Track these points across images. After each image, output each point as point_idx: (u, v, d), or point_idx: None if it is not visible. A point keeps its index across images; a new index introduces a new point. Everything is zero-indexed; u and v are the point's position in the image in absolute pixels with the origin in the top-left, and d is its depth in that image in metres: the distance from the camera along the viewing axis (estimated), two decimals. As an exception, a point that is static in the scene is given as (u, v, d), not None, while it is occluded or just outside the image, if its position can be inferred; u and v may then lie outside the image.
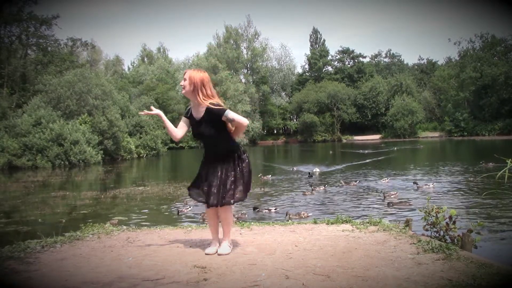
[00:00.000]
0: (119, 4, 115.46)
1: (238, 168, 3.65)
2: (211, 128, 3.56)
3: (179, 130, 3.70)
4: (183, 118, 3.73)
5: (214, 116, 3.54)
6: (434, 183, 12.85)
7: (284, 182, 15.45)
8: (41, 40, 38.43)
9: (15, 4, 34.59)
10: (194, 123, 3.64)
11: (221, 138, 3.61)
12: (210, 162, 3.67)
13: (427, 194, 11.20)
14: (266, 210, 9.65)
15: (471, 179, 13.97)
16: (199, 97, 3.55)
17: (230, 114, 3.53)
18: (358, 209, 9.85)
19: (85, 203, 12.17)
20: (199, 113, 3.60)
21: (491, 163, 17.81)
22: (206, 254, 3.59)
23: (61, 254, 3.72)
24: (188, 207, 10.22)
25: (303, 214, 8.99)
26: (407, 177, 15.68)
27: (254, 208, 9.75)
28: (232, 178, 3.61)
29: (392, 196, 10.88)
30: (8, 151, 26.08)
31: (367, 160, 22.02)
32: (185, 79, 3.59)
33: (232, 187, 3.60)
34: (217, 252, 3.60)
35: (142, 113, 3.86)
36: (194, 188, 3.76)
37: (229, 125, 3.61)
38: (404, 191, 12.24)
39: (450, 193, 11.56)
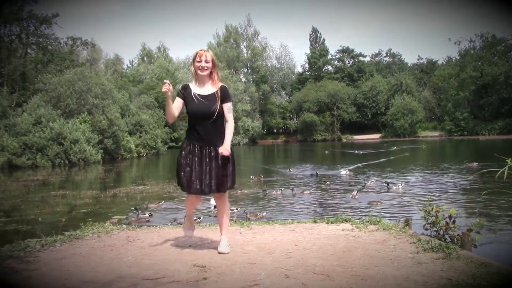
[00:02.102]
0: (119, 3, 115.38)
1: (228, 157, 3.58)
2: (217, 106, 3.56)
3: (176, 111, 3.64)
4: (178, 99, 3.62)
5: (225, 98, 3.61)
6: (403, 184, 12.73)
7: (272, 183, 15.25)
8: (41, 39, 38.44)
9: (15, 3, 34.60)
10: (197, 99, 3.57)
11: (220, 120, 3.60)
12: (201, 145, 3.56)
13: (396, 194, 11.19)
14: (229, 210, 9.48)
15: (454, 180, 13.86)
16: (217, 76, 3.66)
17: (230, 107, 3.64)
18: (320, 211, 9.78)
19: (85, 202, 12.17)
20: (208, 90, 3.62)
21: (475, 163, 17.93)
22: (187, 236, 3.79)
23: (61, 253, 3.72)
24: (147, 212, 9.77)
25: (259, 214, 8.92)
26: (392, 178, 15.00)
27: (215, 207, 9.66)
28: (230, 167, 3.59)
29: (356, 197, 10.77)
30: (8, 150, 26.07)
31: (367, 163, 21.44)
32: (208, 61, 3.60)
33: (227, 173, 3.58)
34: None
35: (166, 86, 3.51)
36: (188, 178, 3.57)
37: (225, 111, 3.63)
38: (376, 192, 12.05)
39: (421, 193, 11.50)
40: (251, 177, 15.93)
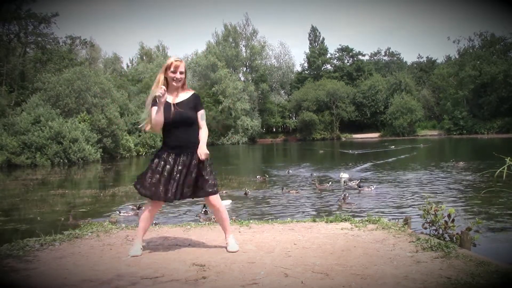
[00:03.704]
0: (118, 2, 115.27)
1: (206, 160, 3.59)
2: (192, 113, 3.60)
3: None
4: (154, 108, 3.51)
5: (198, 105, 3.65)
6: (375, 186, 12.48)
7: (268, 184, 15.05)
8: (40, 38, 38.34)
9: (13, 2, 34.51)
10: (169, 108, 3.51)
11: (195, 127, 3.63)
12: (177, 153, 3.53)
13: (368, 196, 11.09)
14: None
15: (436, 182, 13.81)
16: (186, 84, 3.68)
17: (203, 115, 3.70)
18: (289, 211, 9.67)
19: (84, 201, 12.15)
20: (180, 98, 3.61)
21: (461, 162, 18.02)
22: (132, 256, 3.49)
23: (60, 252, 3.72)
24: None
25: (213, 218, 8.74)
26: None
27: (205, 212, 9.61)
28: (209, 169, 3.59)
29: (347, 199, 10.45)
30: (7, 149, 26.03)
31: (367, 165, 21.00)
32: (182, 72, 3.59)
33: (210, 176, 3.57)
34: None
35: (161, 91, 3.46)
36: (155, 184, 3.52)
37: (198, 119, 3.66)
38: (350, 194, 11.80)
39: (420, 193, 11.46)
40: (257, 176, 15.92)
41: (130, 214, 9.48)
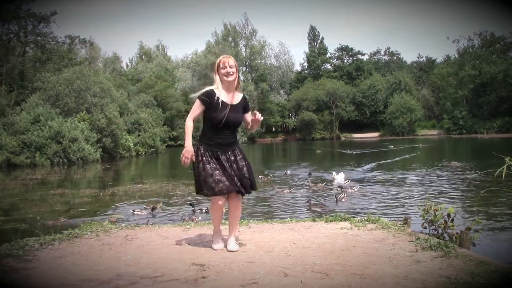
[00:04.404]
0: (118, 2, 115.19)
1: (247, 159, 3.72)
2: (241, 116, 3.70)
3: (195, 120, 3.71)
4: (201, 107, 3.62)
5: (246, 106, 3.77)
6: (358, 187, 12.37)
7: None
8: (39, 38, 38.30)
9: (13, 2, 34.47)
10: (224, 108, 3.58)
11: (238, 129, 3.75)
12: (221, 151, 3.62)
13: (351, 197, 11.03)
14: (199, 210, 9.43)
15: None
16: (239, 84, 3.75)
17: (250, 114, 3.82)
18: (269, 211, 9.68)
19: (84, 201, 12.15)
20: (234, 99, 3.69)
21: (453, 162, 18.04)
22: (215, 249, 3.65)
23: (60, 252, 3.71)
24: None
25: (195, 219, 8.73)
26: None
27: (191, 205, 9.63)
28: (247, 167, 3.67)
29: (313, 201, 10.43)
30: (6, 148, 26.00)
31: (369, 165, 20.77)
32: (232, 66, 3.64)
33: (248, 176, 3.64)
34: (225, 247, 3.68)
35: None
36: (213, 183, 3.54)
37: (247, 119, 3.77)
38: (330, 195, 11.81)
39: (419, 192, 11.45)
40: (260, 177, 15.95)
41: (143, 213, 9.50)
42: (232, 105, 3.64)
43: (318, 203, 10.13)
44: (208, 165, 3.56)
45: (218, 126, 3.58)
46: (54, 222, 8.56)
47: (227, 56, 3.71)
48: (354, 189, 12.05)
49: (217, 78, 3.66)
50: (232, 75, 3.63)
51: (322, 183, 13.60)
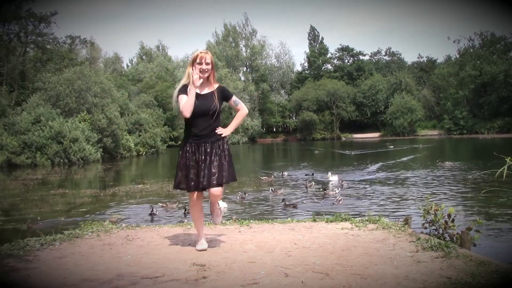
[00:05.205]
0: (118, 2, 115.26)
1: (226, 150, 3.69)
2: (215, 105, 3.66)
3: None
4: (183, 96, 3.64)
5: (224, 96, 3.75)
6: (340, 189, 12.18)
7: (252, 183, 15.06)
8: (40, 38, 38.33)
9: (13, 2, 34.49)
10: (196, 99, 3.61)
11: (218, 119, 3.72)
12: (199, 143, 3.62)
13: (350, 198, 11.05)
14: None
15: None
16: (213, 78, 3.73)
17: (237, 99, 3.81)
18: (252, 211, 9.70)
19: (84, 201, 12.16)
20: (205, 90, 3.70)
21: (447, 162, 18.12)
22: (198, 250, 3.64)
23: (60, 252, 3.71)
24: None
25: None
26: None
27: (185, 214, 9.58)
28: (227, 158, 3.66)
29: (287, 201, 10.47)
30: (7, 149, 26.03)
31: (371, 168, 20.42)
32: (208, 64, 3.66)
33: (215, 171, 3.60)
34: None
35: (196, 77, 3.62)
36: (186, 177, 3.63)
37: (233, 105, 3.81)
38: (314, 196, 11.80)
39: (418, 192, 11.40)
40: (263, 177, 15.95)
41: (167, 208, 9.93)
42: (200, 94, 3.64)
43: (291, 203, 10.31)
44: (182, 160, 3.66)
45: (191, 116, 3.61)
46: (31, 225, 8.36)
47: (205, 51, 3.71)
48: (335, 191, 11.81)
49: (190, 71, 3.65)
50: (206, 72, 3.66)
51: (319, 184, 13.65)
